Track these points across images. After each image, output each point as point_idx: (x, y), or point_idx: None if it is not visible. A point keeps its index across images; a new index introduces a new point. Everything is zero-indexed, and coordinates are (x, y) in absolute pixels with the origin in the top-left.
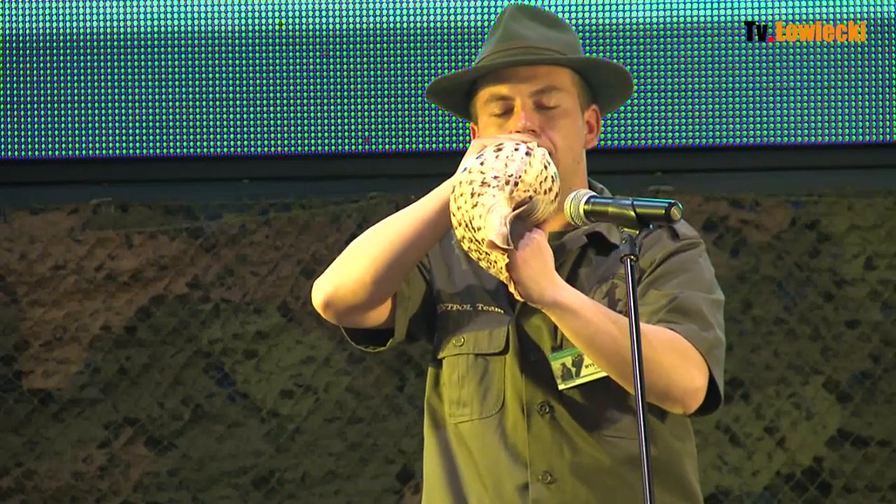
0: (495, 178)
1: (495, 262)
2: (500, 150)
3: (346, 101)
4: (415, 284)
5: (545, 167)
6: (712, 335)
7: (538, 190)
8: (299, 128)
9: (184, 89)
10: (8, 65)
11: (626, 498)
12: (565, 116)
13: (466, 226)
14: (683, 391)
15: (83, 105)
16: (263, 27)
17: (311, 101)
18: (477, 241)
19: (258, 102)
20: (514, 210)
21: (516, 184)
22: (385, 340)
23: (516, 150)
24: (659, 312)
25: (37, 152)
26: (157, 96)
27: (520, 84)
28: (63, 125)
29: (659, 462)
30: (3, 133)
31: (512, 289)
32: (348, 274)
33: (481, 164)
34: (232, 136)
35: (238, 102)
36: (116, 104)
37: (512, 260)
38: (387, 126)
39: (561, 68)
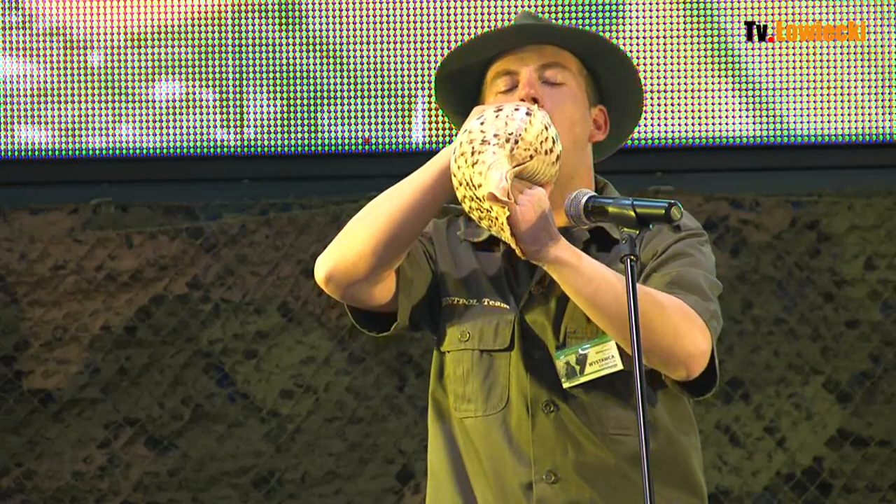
0: (495, 136)
1: (496, 218)
2: (500, 110)
3: (346, 101)
4: (419, 270)
5: (545, 128)
6: (713, 307)
7: (538, 149)
8: (299, 128)
9: (184, 89)
10: (8, 64)
11: (631, 496)
12: (570, 96)
13: (467, 185)
14: (687, 353)
15: (83, 104)
16: (263, 27)
17: (311, 101)
18: (478, 198)
19: (258, 102)
20: (514, 167)
21: (516, 142)
22: (389, 325)
23: (516, 110)
24: (660, 287)
25: (37, 152)
26: (157, 96)
27: (526, 59)
28: (63, 125)
29: (662, 456)
30: (3, 133)
31: (513, 245)
32: (349, 246)
33: (481, 123)
34: (232, 136)
35: (238, 102)
36: (116, 104)
37: (512, 215)
38: (387, 126)
39: (569, 55)
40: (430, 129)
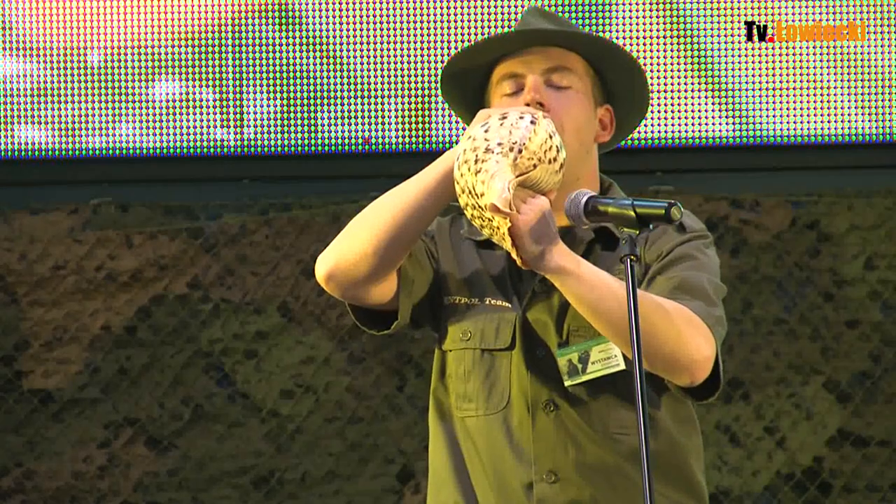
0: (499, 144)
1: (498, 227)
2: (504, 118)
3: (345, 101)
4: (420, 269)
5: (550, 136)
6: (717, 312)
7: (542, 158)
8: (299, 128)
9: (184, 89)
10: (7, 63)
11: (632, 495)
12: (576, 99)
13: (469, 192)
14: (691, 360)
15: (83, 104)
16: (262, 27)
17: (311, 101)
18: (480, 207)
19: (258, 102)
20: (517, 176)
21: (520, 151)
22: (390, 323)
23: (521, 118)
24: (664, 292)
25: (37, 152)
26: (156, 95)
27: (532, 62)
28: (62, 124)
29: (662, 457)
30: (2, 132)
31: (514, 255)
32: (350, 246)
33: (485, 131)
34: (231, 136)
35: (238, 102)
36: (116, 103)
37: (514, 224)
38: (387, 126)
39: (575, 56)
40: (405, 131)
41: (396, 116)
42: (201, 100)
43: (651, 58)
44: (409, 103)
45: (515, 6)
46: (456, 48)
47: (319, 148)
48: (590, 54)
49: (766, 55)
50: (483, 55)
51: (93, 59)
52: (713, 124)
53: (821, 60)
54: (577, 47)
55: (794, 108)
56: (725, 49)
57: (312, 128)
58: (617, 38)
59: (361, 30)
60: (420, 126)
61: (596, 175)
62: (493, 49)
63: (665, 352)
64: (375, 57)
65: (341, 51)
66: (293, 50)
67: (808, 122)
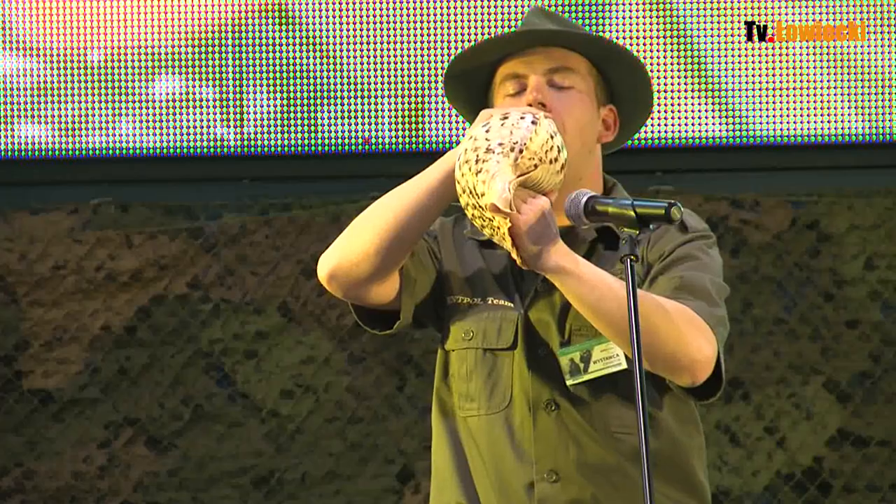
0: (500, 144)
1: (498, 227)
2: (506, 118)
3: (345, 100)
4: (423, 269)
5: (551, 137)
6: (719, 312)
7: (543, 159)
8: (299, 128)
9: (185, 87)
10: (7, 60)
11: (633, 495)
12: (578, 100)
13: (470, 192)
14: (692, 360)
15: (83, 102)
16: (263, 25)
17: (311, 100)
18: (480, 207)
19: (258, 101)
20: (518, 177)
21: (521, 151)
22: (392, 323)
23: (522, 118)
24: (666, 292)
25: (37, 151)
26: (156, 94)
27: (534, 62)
28: (63, 122)
29: (664, 456)
30: (2, 130)
31: (514, 255)
32: (352, 246)
33: (486, 131)
34: (232, 136)
35: (238, 100)
36: (116, 101)
37: (514, 225)
38: (387, 126)
39: (578, 56)
40: (402, 131)
41: (395, 116)
42: (202, 98)
43: (650, 59)
44: (406, 103)
45: (513, 7)
46: (453, 49)
47: (319, 148)
48: (592, 54)
49: (766, 56)
50: (486, 55)
51: (93, 57)
52: (713, 125)
53: (820, 61)
54: (579, 47)
55: (794, 110)
56: (724, 50)
57: (312, 128)
58: (615, 39)
59: (361, 29)
60: (416, 126)
61: (599, 175)
62: (495, 49)
63: (666, 352)
64: (376, 56)
65: (340, 51)
66: (293, 50)
67: (807, 124)
